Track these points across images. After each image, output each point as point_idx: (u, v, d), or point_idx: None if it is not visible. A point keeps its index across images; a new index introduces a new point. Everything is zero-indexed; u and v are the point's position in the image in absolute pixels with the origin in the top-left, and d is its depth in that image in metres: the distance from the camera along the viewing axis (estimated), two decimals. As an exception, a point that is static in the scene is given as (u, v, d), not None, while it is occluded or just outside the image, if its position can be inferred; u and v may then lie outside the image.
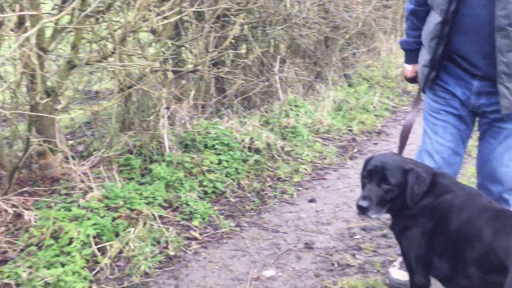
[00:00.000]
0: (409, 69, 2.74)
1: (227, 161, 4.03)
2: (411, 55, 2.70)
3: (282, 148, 4.60)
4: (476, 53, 2.35)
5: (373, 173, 2.19)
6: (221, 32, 4.40)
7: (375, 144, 5.13)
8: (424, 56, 2.49)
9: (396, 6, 8.06)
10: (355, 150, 4.95)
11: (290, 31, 5.39)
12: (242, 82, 4.97)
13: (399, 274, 2.72)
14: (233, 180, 3.94)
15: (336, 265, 2.98)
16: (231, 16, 4.46)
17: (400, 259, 2.74)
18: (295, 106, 5.37)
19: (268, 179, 4.12)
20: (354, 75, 6.80)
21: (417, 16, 2.58)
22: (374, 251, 3.12)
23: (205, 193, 3.72)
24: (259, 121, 4.79)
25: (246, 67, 5.14)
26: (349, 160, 4.70)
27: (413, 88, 7.16)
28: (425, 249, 2.17)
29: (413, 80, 2.79)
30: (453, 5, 2.29)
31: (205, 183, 3.76)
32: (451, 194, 2.16)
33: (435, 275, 2.20)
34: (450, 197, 2.15)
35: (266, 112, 5.05)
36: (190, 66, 4.19)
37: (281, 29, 5.24)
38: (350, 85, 6.57)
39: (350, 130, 5.43)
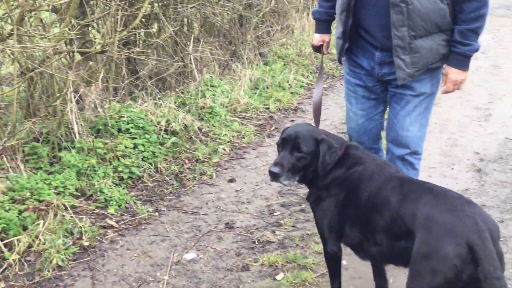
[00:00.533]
0: (316, 37, 2.86)
1: (143, 145, 3.90)
2: (320, 25, 2.85)
3: (200, 129, 4.53)
4: (375, 26, 2.50)
5: (286, 142, 2.26)
6: (130, 10, 4.21)
7: (292, 121, 5.20)
8: (338, 28, 2.63)
9: (307, -16, 8.18)
10: (273, 128, 4.99)
11: (203, 9, 5.28)
12: (155, 62, 4.82)
13: None
14: (150, 164, 3.83)
15: (256, 242, 3.00)
16: (140, -6, 4.29)
17: None
18: (212, 86, 5.30)
19: (187, 161, 4.05)
20: (269, 54, 6.82)
21: None
22: (293, 226, 3.18)
23: (121, 179, 3.59)
24: (175, 103, 4.69)
25: (159, 47, 4.98)
26: (267, 138, 4.73)
27: (326, 65, 7.35)
28: (337, 219, 2.24)
29: (318, 49, 2.90)
30: None
31: (120, 168, 3.62)
32: (362, 165, 2.24)
33: (347, 243, 2.29)
34: (361, 168, 2.23)
35: (182, 93, 4.94)
36: (98, 47, 3.97)
37: (193, 7, 5.12)
38: (265, 64, 6.60)
39: (267, 109, 5.46)
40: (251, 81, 5.89)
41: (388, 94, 2.70)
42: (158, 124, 4.17)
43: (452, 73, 2.53)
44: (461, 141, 4.55)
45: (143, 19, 4.76)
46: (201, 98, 5.01)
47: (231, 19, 6.27)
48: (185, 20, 5.50)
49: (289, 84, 6.22)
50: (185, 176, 3.83)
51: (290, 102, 5.72)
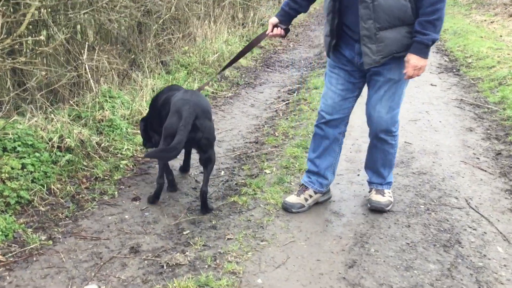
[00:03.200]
0: (271, 20, 3.33)
1: (32, 164, 3.51)
2: (281, 13, 3.32)
3: (99, 144, 4.20)
4: (354, 22, 2.97)
5: None
6: (14, 16, 3.79)
7: (198, 132, 5.02)
8: (326, 28, 3.14)
9: (208, -9, 8.05)
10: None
11: (97, 15, 4.93)
12: (45, 73, 4.41)
13: (376, 196, 3.49)
14: (41, 186, 3.45)
15: (165, 266, 2.77)
16: (24, -2, 3.87)
17: (374, 188, 3.55)
18: (110, 97, 4.96)
19: (84, 180, 3.70)
20: (172, 62, 6.59)
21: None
22: (204, 245, 3.00)
23: (7, 205, 3.18)
24: (69, 116, 4.31)
25: (49, 56, 4.57)
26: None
27: (230, 73, 7.27)
28: None
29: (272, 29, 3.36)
30: None
31: (6, 193, 3.21)
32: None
33: None
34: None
35: (77, 105, 4.56)
36: (-25, 57, 3.52)
37: (86, 13, 4.76)
38: (168, 72, 6.36)
39: (172, 119, 5.23)
40: (153, 91, 5.62)
41: (366, 81, 3.22)
42: (50, 141, 3.78)
43: (412, 59, 2.91)
44: (365, 147, 4.65)
45: (30, 26, 4.34)
46: (99, 110, 4.66)
47: (129, 26, 5.96)
48: (78, 27, 5.12)
49: (193, 94, 6.03)
50: (82, 197, 3.49)
51: (195, 112, 5.52)
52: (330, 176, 3.50)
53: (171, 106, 3.25)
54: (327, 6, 3.04)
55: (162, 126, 3.25)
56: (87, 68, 4.93)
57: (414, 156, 4.45)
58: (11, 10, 3.98)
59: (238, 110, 5.80)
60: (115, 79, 5.44)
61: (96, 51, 5.28)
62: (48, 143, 3.76)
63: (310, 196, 3.48)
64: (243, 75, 7.41)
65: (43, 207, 3.29)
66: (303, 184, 3.53)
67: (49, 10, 4.47)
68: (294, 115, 5.54)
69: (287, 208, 3.43)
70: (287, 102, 6.10)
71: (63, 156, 3.78)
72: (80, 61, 4.90)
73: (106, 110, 4.68)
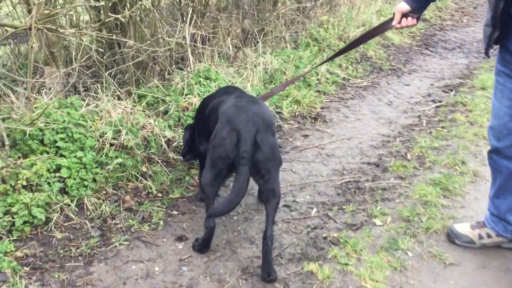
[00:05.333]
0: (400, 7, 2.42)
1: (69, 167, 2.79)
2: None
3: (170, 142, 3.34)
4: None
5: None
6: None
7: (305, 136, 3.88)
8: (487, 15, 2.27)
9: None
10: (275, 145, 3.70)
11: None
12: (133, 43, 3.61)
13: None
14: (72, 198, 2.71)
15: None
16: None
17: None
18: (206, 78, 4.05)
19: (130, 196, 2.87)
20: (302, 35, 5.43)
21: None
22: None
23: (13, 225, 2.48)
24: (146, 101, 3.49)
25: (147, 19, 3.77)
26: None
27: (375, 53, 5.87)
28: None
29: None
30: None
31: (15, 208, 2.51)
32: None
33: None
34: None
35: (163, 86, 3.73)
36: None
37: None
38: (296, 48, 5.24)
39: (279, 113, 4.17)
40: (265, 72, 4.58)
41: None
42: (101, 136, 3.01)
43: None
44: None
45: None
46: (187, 95, 3.79)
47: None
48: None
49: (318, 79, 4.85)
50: (116, 223, 2.66)
51: (311, 106, 4.38)
52: None
53: (219, 116, 2.41)
54: None
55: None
56: (187, 38, 4.06)
57: None
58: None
59: (369, 108, 4.48)
60: (220, 55, 4.49)
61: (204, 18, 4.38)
62: (99, 139, 2.98)
63: (488, 236, 2.60)
64: (391, 57, 5.95)
65: (61, 232, 2.53)
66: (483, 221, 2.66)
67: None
68: (442, 127, 4.07)
69: (449, 236, 2.66)
70: (438, 104, 4.59)
71: (116, 157, 2.99)
72: (182, 28, 4.04)
73: (195, 96, 3.79)
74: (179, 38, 3.90)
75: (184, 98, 3.76)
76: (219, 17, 4.61)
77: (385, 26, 2.57)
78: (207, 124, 2.61)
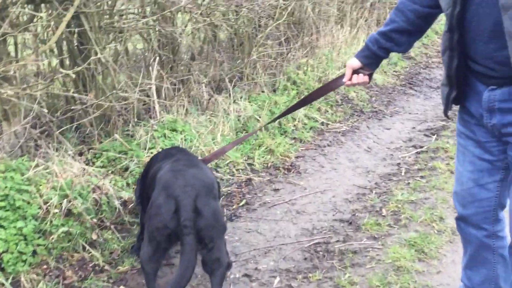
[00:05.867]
0: (351, 63, 2.22)
1: (6, 240, 2.54)
2: (366, 53, 2.18)
3: (127, 203, 3.13)
4: (486, 51, 1.77)
5: None
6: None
7: (276, 191, 3.66)
8: (443, 73, 2.05)
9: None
10: (242, 202, 3.48)
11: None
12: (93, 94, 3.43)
13: None
14: (9, 275, 2.46)
15: None
16: None
17: None
18: (172, 130, 3.86)
19: (72, 270, 2.63)
20: (280, 78, 5.27)
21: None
22: None
23: None
24: (105, 157, 3.29)
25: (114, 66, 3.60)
26: (228, 221, 3.25)
27: (356, 94, 5.71)
28: None
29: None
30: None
31: None
32: None
33: None
34: None
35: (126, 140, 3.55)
36: None
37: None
38: (273, 91, 5.08)
39: (250, 165, 3.96)
40: (238, 120, 4.40)
41: (509, 158, 1.90)
42: (46, 203, 2.79)
43: None
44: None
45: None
46: (150, 149, 3.60)
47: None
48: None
49: (294, 125, 4.67)
50: None
51: (285, 155, 4.18)
52: None
53: (156, 181, 2.27)
54: (442, 40, 1.92)
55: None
56: (153, 90, 3.90)
57: None
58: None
59: (346, 156, 4.28)
60: (192, 103, 4.32)
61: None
62: (43, 206, 2.76)
63: None
64: (373, 98, 5.79)
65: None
66: None
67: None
68: (421, 177, 3.86)
69: None
70: (419, 150, 4.39)
71: (62, 225, 2.76)
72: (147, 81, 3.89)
73: (159, 150, 3.60)
74: (141, 91, 3.74)
75: (147, 153, 3.56)
76: (190, 64, 4.46)
77: (336, 82, 2.39)
78: (147, 191, 2.43)
